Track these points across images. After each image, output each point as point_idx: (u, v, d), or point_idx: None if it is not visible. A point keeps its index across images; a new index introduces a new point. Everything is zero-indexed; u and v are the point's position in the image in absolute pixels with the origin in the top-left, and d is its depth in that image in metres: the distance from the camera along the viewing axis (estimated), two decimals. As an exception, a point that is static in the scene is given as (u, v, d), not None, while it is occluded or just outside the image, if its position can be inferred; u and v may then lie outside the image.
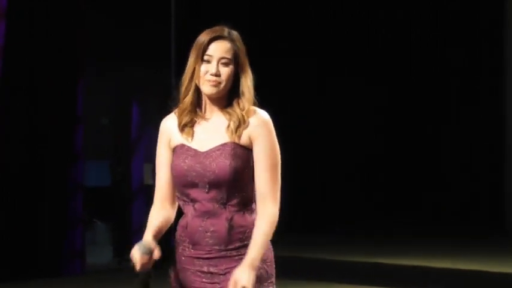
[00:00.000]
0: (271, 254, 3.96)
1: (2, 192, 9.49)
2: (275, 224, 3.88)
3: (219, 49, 3.91)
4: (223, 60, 3.89)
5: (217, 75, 3.88)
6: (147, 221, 11.06)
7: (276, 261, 3.89)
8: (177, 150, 3.97)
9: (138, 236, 11.59)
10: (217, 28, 3.95)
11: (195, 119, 3.99)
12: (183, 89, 3.95)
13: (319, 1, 13.92)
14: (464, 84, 13.68)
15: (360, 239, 11.52)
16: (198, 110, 3.98)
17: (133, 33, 10.60)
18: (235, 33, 3.97)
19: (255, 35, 11.65)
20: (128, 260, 10.30)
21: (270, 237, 3.88)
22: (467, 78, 13.68)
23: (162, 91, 10.58)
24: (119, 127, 11.15)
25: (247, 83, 3.95)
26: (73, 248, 9.82)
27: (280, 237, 3.94)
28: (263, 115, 3.93)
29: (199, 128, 3.97)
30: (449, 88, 13.91)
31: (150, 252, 3.88)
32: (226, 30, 3.95)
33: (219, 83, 3.89)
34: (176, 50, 11.27)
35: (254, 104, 3.98)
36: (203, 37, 3.92)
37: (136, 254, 3.87)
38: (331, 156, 13.89)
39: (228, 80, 3.90)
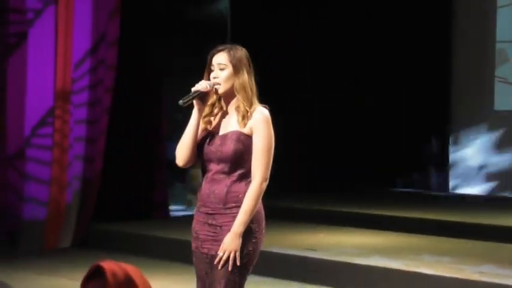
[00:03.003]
0: (258, 216, 4.01)
1: (120, 162, 9.67)
2: (259, 194, 3.95)
3: (216, 59, 4.01)
4: (220, 66, 3.99)
5: (216, 77, 3.99)
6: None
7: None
8: (202, 133, 4.07)
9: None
10: (219, 46, 4.07)
11: (219, 111, 4.08)
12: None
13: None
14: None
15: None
16: (223, 104, 4.07)
17: (195, 49, 10.37)
18: (235, 46, 4.05)
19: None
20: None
21: (254, 204, 3.93)
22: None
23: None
24: (187, 119, 11.61)
25: (239, 82, 3.97)
26: (160, 200, 10.15)
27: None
28: (263, 112, 3.99)
29: (220, 117, 4.07)
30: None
31: (211, 90, 4.00)
32: (225, 46, 4.05)
33: (219, 83, 3.99)
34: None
35: (257, 97, 4.03)
36: (209, 55, 4.06)
37: (205, 84, 4.01)
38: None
39: (225, 80, 3.99)
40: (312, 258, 7.37)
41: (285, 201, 10.17)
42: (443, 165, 11.58)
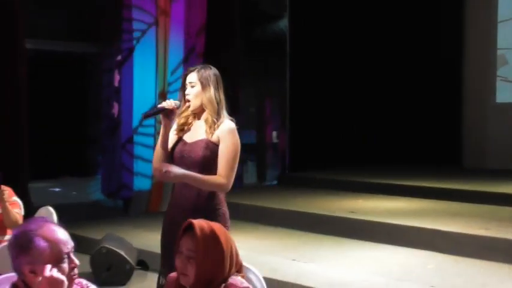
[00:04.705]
0: (224, 218, 3.58)
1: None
2: (216, 186, 3.50)
3: (188, 78, 3.60)
4: (190, 84, 3.58)
5: (188, 94, 3.59)
6: (275, 161, 11.11)
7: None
8: (175, 141, 3.66)
9: (270, 168, 11.20)
10: (191, 67, 3.69)
11: (192, 121, 3.65)
12: (181, 107, 3.64)
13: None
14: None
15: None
16: (195, 116, 3.65)
17: (259, 61, 10.41)
18: (205, 66, 3.65)
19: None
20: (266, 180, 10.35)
21: (208, 184, 3.48)
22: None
23: (280, 96, 10.78)
24: (262, 116, 11.11)
25: (206, 97, 3.57)
26: (237, 174, 10.18)
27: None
28: (229, 124, 3.58)
29: (192, 127, 3.64)
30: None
31: (176, 108, 3.57)
32: (195, 67, 3.67)
33: (189, 100, 3.59)
34: (290, 72, 10.74)
35: (226, 110, 3.63)
36: (182, 75, 3.68)
37: (171, 102, 3.58)
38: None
39: (194, 96, 3.59)
40: (353, 219, 7.24)
41: (330, 174, 10.02)
42: (457, 144, 11.18)
